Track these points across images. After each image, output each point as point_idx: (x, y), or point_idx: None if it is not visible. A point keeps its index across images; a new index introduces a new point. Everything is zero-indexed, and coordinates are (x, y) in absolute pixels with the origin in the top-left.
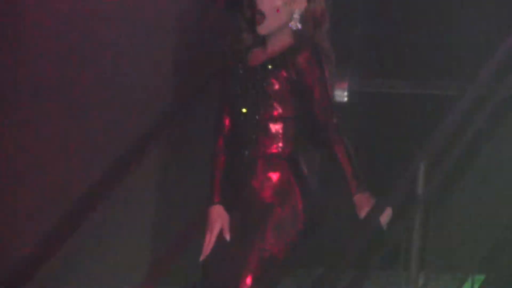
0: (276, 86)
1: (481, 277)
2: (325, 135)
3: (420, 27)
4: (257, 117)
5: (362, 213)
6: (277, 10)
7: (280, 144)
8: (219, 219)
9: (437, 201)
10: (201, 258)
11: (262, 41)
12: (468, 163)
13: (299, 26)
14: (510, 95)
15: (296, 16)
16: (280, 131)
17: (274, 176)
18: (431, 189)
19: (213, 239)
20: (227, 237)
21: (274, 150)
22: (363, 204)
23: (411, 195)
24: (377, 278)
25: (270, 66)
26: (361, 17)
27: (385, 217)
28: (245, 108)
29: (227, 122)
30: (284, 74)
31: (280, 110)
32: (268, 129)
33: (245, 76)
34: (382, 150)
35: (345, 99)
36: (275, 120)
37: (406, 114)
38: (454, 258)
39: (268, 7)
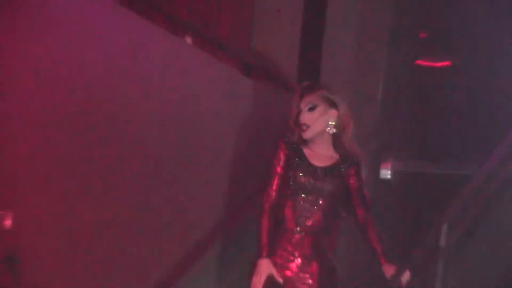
0: (330, 188)
1: None
2: (363, 224)
3: (448, 118)
4: (311, 206)
5: (389, 275)
6: (314, 120)
7: (318, 228)
8: (267, 269)
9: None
10: None
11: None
12: (482, 224)
13: (334, 130)
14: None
15: (331, 123)
16: (323, 218)
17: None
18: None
19: (262, 281)
20: (280, 280)
21: (317, 230)
22: (391, 270)
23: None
24: None
25: (329, 171)
26: (403, 110)
27: (405, 277)
28: (308, 195)
29: (274, 194)
30: (337, 178)
31: (324, 206)
32: (315, 215)
33: (308, 170)
34: (418, 217)
35: (389, 177)
36: (321, 210)
37: (435, 189)
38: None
39: (308, 120)
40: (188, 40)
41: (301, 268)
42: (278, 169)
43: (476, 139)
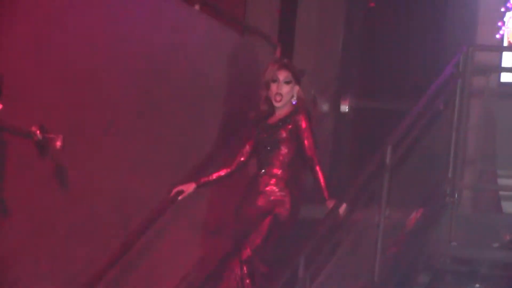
0: (284, 134)
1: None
2: (311, 163)
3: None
4: (272, 152)
5: (330, 208)
6: (287, 93)
7: (282, 170)
8: (186, 187)
9: (396, 167)
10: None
11: (273, 110)
12: (416, 147)
13: (295, 101)
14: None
15: (295, 96)
16: (284, 160)
17: (276, 188)
18: (393, 161)
19: (176, 189)
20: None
21: (279, 173)
22: (331, 204)
23: (383, 165)
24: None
25: (280, 123)
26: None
27: (342, 209)
28: (268, 146)
29: (247, 149)
30: (289, 127)
31: (285, 150)
32: (277, 159)
33: (267, 128)
34: (368, 142)
35: (346, 111)
36: (281, 155)
37: (386, 121)
38: (405, 199)
39: (284, 92)
40: (197, 7)
41: (272, 200)
42: (241, 158)
43: (415, 80)
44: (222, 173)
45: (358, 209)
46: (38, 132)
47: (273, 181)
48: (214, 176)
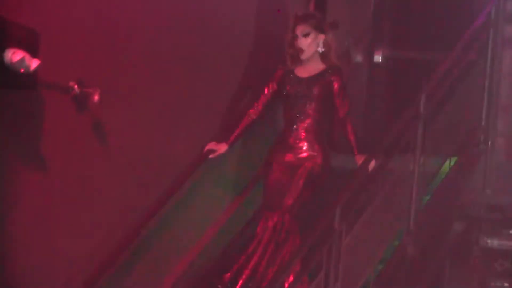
0: (316, 91)
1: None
2: (343, 122)
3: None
4: (304, 107)
5: (359, 163)
6: (308, 46)
7: (314, 125)
8: (220, 147)
9: (431, 117)
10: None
11: (301, 61)
12: (450, 97)
13: (323, 49)
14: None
15: (320, 44)
16: (315, 116)
17: (308, 144)
18: (427, 110)
19: (208, 147)
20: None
21: (310, 128)
22: (361, 159)
23: (417, 114)
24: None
25: (313, 79)
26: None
27: (371, 165)
28: (301, 100)
29: (271, 89)
30: (322, 84)
31: (317, 106)
32: (309, 114)
33: (298, 81)
34: (403, 92)
35: (380, 61)
36: (314, 110)
37: (419, 71)
38: (440, 148)
39: (305, 45)
40: None
41: (302, 155)
42: (266, 91)
43: (446, 31)
44: (249, 120)
45: (394, 158)
46: (76, 86)
47: (304, 135)
48: (242, 126)
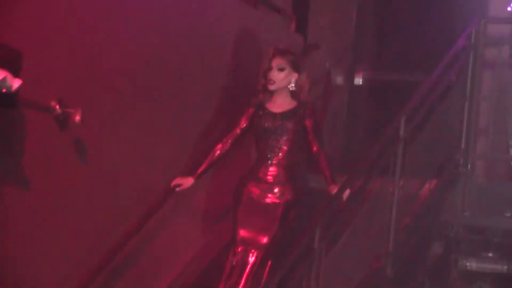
0: (290, 126)
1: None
2: (317, 156)
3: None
4: (277, 141)
5: (333, 193)
6: (280, 80)
7: (286, 159)
8: (185, 181)
9: (410, 139)
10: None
11: (271, 95)
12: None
13: (294, 88)
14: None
15: (292, 82)
16: (288, 150)
17: (279, 177)
18: (407, 132)
19: (175, 182)
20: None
21: (282, 162)
22: (334, 189)
23: (397, 136)
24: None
25: (286, 115)
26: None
27: (345, 195)
28: (274, 135)
29: (228, 142)
30: (295, 120)
31: (290, 140)
32: (281, 149)
33: (271, 116)
34: (383, 115)
35: (360, 83)
36: (286, 145)
37: (400, 93)
38: (419, 170)
39: (277, 78)
40: None
41: (275, 193)
42: (238, 130)
43: (427, 53)
44: (215, 155)
45: (373, 180)
46: (57, 106)
47: (276, 170)
48: (208, 161)
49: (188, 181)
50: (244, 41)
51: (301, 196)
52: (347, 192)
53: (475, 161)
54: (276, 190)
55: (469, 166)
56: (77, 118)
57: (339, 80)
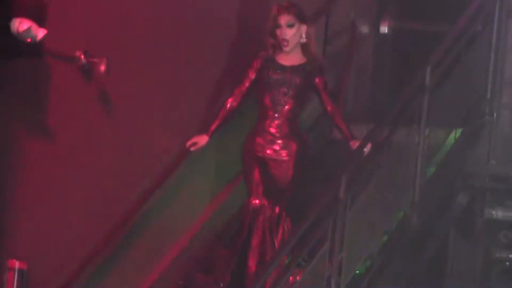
0: (298, 81)
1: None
2: (333, 114)
3: None
4: (286, 95)
5: (354, 148)
6: (292, 37)
7: (293, 112)
8: (200, 139)
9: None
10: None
11: (281, 50)
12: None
13: (305, 40)
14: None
15: (303, 36)
16: (295, 103)
17: (287, 131)
18: (433, 81)
19: (192, 141)
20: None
21: (290, 115)
22: (355, 144)
23: (422, 85)
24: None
25: (295, 69)
26: None
27: (368, 148)
28: (282, 88)
29: (247, 85)
30: (303, 76)
31: (298, 95)
32: (290, 102)
33: (279, 68)
34: (408, 60)
35: (386, 32)
36: (294, 98)
37: (425, 42)
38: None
39: (289, 35)
40: None
41: (282, 146)
42: (246, 83)
43: (452, 2)
44: (227, 108)
45: (399, 129)
46: (82, 56)
47: (280, 122)
48: (221, 116)
49: (203, 139)
50: (244, 3)
51: (306, 150)
52: (368, 146)
53: (501, 110)
54: (279, 141)
55: (494, 115)
56: (102, 68)
57: (364, 29)
